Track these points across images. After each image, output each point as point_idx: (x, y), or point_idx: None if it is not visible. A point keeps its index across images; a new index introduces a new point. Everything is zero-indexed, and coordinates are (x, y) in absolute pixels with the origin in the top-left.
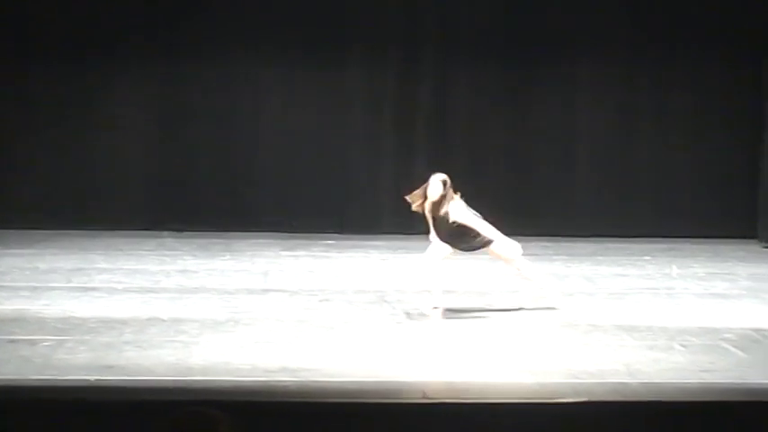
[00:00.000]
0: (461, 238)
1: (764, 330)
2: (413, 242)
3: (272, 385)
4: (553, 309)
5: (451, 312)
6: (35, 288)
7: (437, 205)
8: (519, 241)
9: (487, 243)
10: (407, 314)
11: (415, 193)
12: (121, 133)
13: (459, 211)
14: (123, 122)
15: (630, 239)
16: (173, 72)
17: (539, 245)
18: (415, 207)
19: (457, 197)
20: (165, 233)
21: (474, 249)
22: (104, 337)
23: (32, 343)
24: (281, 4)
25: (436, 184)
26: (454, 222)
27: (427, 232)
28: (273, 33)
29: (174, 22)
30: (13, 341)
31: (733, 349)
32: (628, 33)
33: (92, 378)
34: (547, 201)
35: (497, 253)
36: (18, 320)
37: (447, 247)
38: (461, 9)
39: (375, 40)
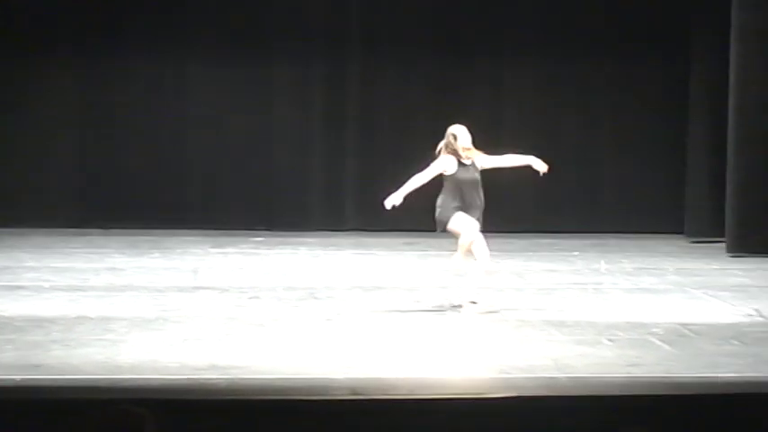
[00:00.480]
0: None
1: (691, 325)
2: (342, 238)
3: (201, 383)
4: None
5: (379, 308)
6: None
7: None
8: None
9: None
10: (337, 311)
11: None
12: (48, 131)
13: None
14: (49, 120)
15: (560, 235)
16: (98, 69)
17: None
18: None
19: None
20: (94, 231)
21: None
22: (31, 336)
23: None
24: (207, 2)
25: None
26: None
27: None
28: (200, 30)
29: (99, 19)
30: None
31: (660, 343)
32: (554, 31)
33: (17, 377)
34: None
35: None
36: None
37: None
38: (387, 7)
39: (302, 38)
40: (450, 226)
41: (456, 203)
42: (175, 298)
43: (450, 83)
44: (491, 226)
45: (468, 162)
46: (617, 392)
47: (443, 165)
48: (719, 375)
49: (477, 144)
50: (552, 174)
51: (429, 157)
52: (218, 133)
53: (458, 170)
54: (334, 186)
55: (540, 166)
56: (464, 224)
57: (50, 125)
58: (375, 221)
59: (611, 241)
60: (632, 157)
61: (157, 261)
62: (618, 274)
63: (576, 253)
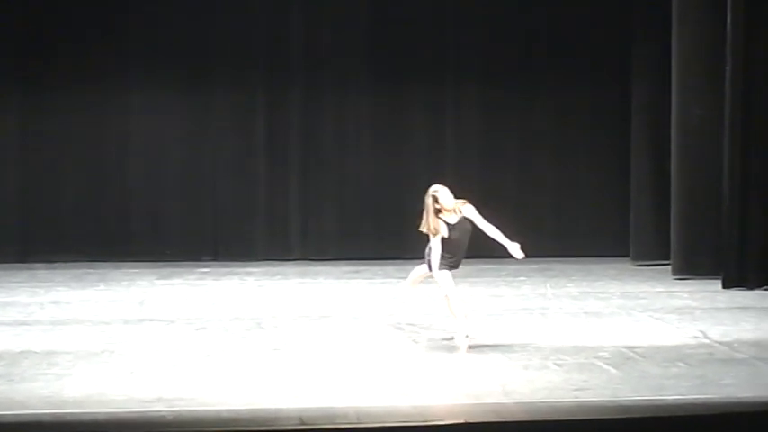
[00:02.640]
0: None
1: (637, 347)
2: (288, 267)
3: (147, 416)
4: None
5: (326, 337)
6: None
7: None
8: (394, 265)
9: None
10: (284, 340)
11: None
12: None
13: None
14: None
15: (504, 260)
16: (37, 99)
17: (413, 268)
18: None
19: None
20: (38, 264)
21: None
22: None
23: None
24: (148, 30)
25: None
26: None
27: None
28: (142, 60)
29: (38, 49)
30: None
31: (606, 367)
32: (494, 57)
33: None
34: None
35: None
36: None
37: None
38: (329, 35)
39: (243, 66)
40: (437, 277)
41: (447, 261)
42: (121, 330)
43: (391, 109)
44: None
45: (454, 220)
46: (564, 417)
47: (442, 232)
48: (666, 398)
49: (421, 171)
50: (494, 197)
51: (371, 183)
52: (160, 163)
53: (449, 232)
54: (279, 216)
55: (517, 253)
56: (448, 282)
57: None
58: (320, 250)
59: (557, 266)
60: (575, 180)
61: (103, 293)
62: (564, 298)
63: (522, 278)
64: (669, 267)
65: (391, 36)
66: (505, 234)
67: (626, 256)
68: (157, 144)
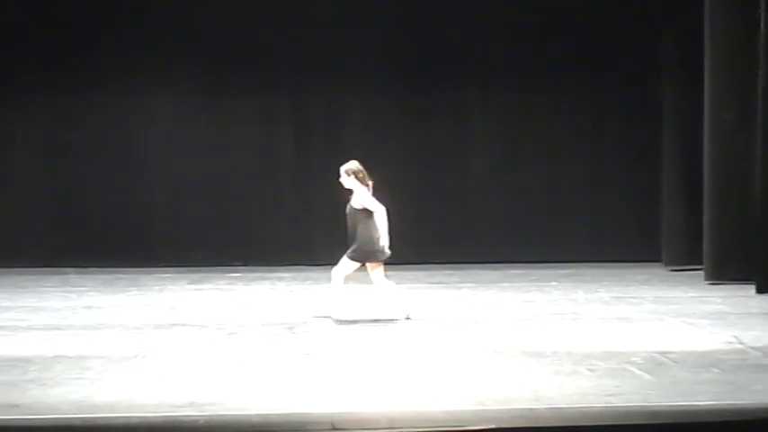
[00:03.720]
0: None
1: (669, 353)
2: (318, 273)
3: (179, 420)
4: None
5: (357, 342)
6: None
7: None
8: (425, 270)
9: None
10: (315, 345)
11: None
12: (20, 170)
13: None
14: (21, 160)
15: (535, 265)
16: (68, 108)
17: (444, 273)
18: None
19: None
20: (69, 270)
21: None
22: (8, 376)
23: None
24: (172, 35)
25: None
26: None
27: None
28: (167, 67)
29: (64, 58)
30: None
31: (638, 372)
32: (521, 61)
33: None
34: (450, 229)
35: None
36: None
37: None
38: (354, 40)
39: (267, 71)
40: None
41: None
42: (153, 335)
43: (417, 114)
44: (465, 257)
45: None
46: (596, 422)
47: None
48: (698, 403)
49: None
50: (523, 204)
51: (397, 187)
52: (189, 169)
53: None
54: (306, 220)
55: None
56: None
57: (22, 165)
58: None
59: (588, 271)
60: (606, 185)
61: (135, 298)
62: (595, 303)
63: (554, 283)
64: (702, 272)
65: (416, 40)
66: (524, 238)
67: (658, 260)
68: (186, 149)
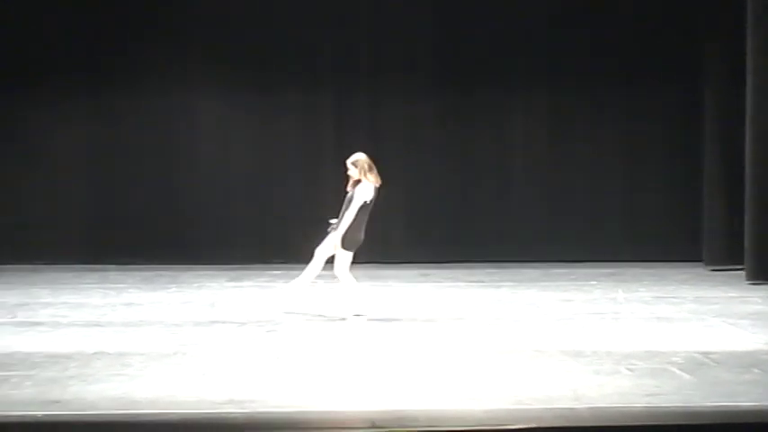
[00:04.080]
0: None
1: (710, 353)
2: (358, 271)
3: (218, 417)
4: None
5: (397, 340)
6: None
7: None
8: (465, 268)
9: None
10: (354, 343)
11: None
12: (62, 167)
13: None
14: (63, 157)
15: (574, 265)
16: (110, 106)
17: (484, 272)
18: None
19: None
20: (110, 267)
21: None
22: (49, 372)
23: None
24: (216, 34)
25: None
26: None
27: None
28: (209, 65)
29: (108, 55)
30: None
31: (679, 372)
32: (562, 61)
33: (38, 413)
34: (489, 227)
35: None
36: None
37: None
38: (394, 37)
39: (310, 70)
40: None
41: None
42: (193, 332)
43: (458, 113)
44: (504, 256)
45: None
46: (636, 422)
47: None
48: (739, 404)
49: (489, 176)
50: (564, 203)
51: (439, 186)
52: (230, 166)
53: (373, 197)
54: None
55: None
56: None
57: (64, 162)
58: (388, 254)
59: (628, 270)
60: (647, 184)
61: (174, 295)
62: (635, 302)
63: (593, 282)
64: (743, 272)
65: (458, 40)
66: (564, 237)
67: (699, 260)
68: (226, 147)
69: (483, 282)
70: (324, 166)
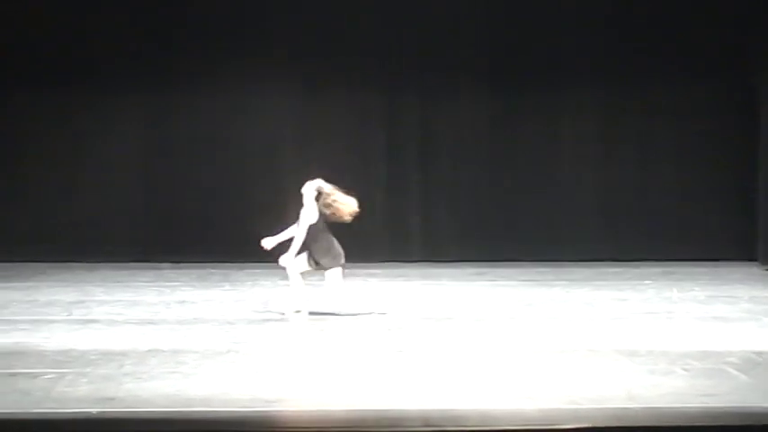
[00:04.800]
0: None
1: (766, 353)
2: (410, 269)
3: (272, 416)
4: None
5: (450, 339)
6: (34, 321)
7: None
8: (518, 267)
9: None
10: (408, 342)
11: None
12: (116, 165)
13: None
14: (117, 155)
15: (630, 264)
16: (161, 104)
17: (537, 270)
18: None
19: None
20: (164, 264)
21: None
22: (104, 370)
23: (32, 376)
24: (265, 32)
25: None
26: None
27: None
28: (257, 63)
29: (162, 54)
30: (12, 374)
31: (735, 372)
32: (611, 58)
33: (93, 411)
34: (542, 226)
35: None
36: (18, 354)
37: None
38: (445, 37)
39: (361, 70)
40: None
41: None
42: (246, 330)
43: (507, 112)
44: (557, 255)
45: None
46: (691, 423)
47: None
48: None
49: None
50: (617, 202)
51: (489, 185)
52: (281, 165)
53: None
54: (399, 217)
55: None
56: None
57: (117, 160)
58: (441, 252)
59: (682, 269)
60: (701, 182)
61: (227, 293)
62: (690, 302)
63: (647, 281)
64: None
65: (507, 39)
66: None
67: (754, 260)
68: (276, 146)
69: (536, 281)
70: (374, 165)
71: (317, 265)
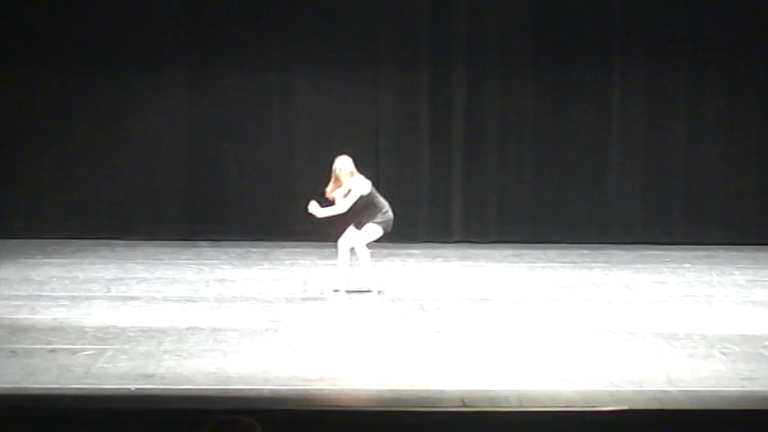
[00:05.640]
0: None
1: None
2: (449, 250)
3: (311, 394)
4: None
5: (488, 320)
6: (75, 297)
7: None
8: (558, 249)
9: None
10: (446, 323)
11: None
12: (158, 144)
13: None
14: (159, 133)
15: (669, 247)
16: (204, 81)
17: (577, 253)
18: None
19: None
20: (203, 243)
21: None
22: (144, 347)
23: (72, 352)
24: (313, 12)
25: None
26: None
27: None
28: (305, 42)
29: (206, 30)
30: (53, 350)
31: None
32: (658, 38)
33: (132, 387)
34: (583, 208)
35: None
36: (58, 330)
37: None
38: (492, 16)
39: (407, 50)
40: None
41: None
42: (285, 309)
43: (555, 94)
44: (597, 238)
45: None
46: (730, 407)
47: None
48: None
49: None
50: (661, 185)
51: (534, 167)
52: (324, 145)
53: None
54: (441, 198)
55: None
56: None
57: (160, 138)
58: (481, 233)
59: (722, 253)
60: (743, 166)
61: (267, 272)
62: (729, 286)
63: (687, 265)
64: None
65: (557, 20)
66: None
67: None
68: (321, 126)
69: (575, 263)
70: (419, 145)
71: (380, 227)
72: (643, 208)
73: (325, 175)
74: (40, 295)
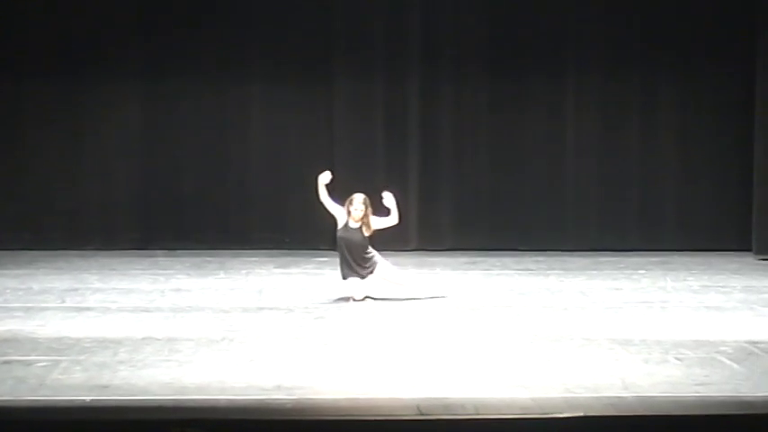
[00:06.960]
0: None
1: (760, 343)
2: (405, 258)
3: (266, 403)
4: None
5: (444, 327)
6: (29, 308)
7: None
8: (511, 257)
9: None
10: (401, 330)
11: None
12: (111, 153)
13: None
14: (113, 142)
15: (624, 253)
16: (159, 90)
17: (532, 259)
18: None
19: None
20: (159, 252)
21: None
22: (99, 357)
23: (27, 363)
24: (267, 21)
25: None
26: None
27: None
28: (260, 51)
29: (161, 39)
30: (7, 362)
31: (728, 362)
32: (611, 44)
33: (87, 398)
34: (538, 215)
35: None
36: (12, 341)
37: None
38: (446, 23)
39: (361, 58)
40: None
41: (344, 270)
42: (241, 318)
43: (509, 101)
44: (553, 245)
45: (354, 225)
46: (686, 412)
47: (338, 212)
48: None
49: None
50: (615, 192)
51: (488, 174)
52: (279, 153)
53: (342, 228)
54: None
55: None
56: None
57: (114, 147)
58: (436, 241)
59: (677, 259)
60: (696, 172)
61: (222, 282)
62: (684, 291)
63: (642, 271)
64: None
65: (510, 26)
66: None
67: (748, 250)
68: (276, 134)
69: (531, 270)
70: (375, 153)
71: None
72: (598, 214)
73: (280, 183)
74: None
